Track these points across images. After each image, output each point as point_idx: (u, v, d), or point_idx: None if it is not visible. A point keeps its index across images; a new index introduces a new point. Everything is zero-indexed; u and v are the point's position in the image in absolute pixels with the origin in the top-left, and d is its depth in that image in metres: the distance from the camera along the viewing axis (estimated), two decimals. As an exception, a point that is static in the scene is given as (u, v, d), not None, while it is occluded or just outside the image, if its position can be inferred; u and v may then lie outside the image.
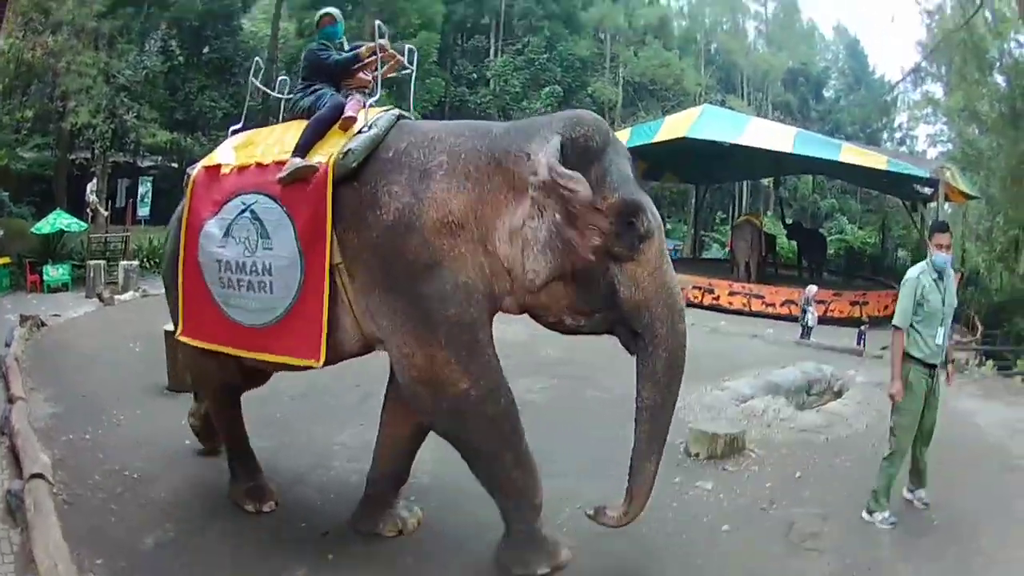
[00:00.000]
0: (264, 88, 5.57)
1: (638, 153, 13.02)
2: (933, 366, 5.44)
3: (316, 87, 4.97)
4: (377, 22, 5.17)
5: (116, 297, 14.33)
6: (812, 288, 16.44)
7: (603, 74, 39.35)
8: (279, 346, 4.46)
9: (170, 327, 7.66)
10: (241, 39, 32.51)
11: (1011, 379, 13.12)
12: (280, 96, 5.45)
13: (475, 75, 36.93)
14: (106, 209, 21.52)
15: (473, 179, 4.06)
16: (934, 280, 5.42)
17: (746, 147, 19.80)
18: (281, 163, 4.44)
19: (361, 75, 5.15)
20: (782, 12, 56.11)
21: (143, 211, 23.40)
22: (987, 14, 21.90)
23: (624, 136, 19.43)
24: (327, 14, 5.27)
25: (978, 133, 29.55)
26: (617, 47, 40.75)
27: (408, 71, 5.24)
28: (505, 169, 4.03)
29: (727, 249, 29.68)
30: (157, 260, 19.81)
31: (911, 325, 5.40)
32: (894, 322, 5.43)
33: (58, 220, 19.28)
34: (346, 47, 5.26)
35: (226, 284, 4.54)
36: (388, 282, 4.08)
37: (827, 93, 55.70)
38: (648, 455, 4.04)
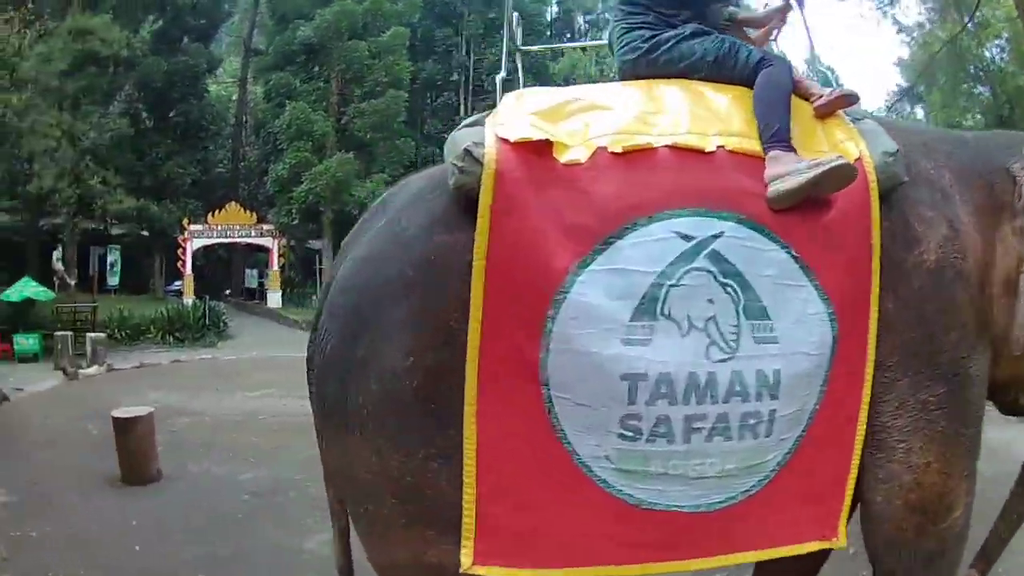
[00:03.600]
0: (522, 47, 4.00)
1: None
2: None
3: (696, 25, 2.92)
4: None
5: (80, 371, 13.90)
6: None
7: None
8: (753, 532, 2.48)
9: (120, 413, 6.90)
10: (207, 102, 32.76)
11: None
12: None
13: (446, 134, 36.27)
14: (75, 278, 21.05)
15: (980, 208, 2.79)
16: None
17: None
18: (749, 156, 2.47)
19: (748, 15, 3.34)
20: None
21: (112, 280, 23.43)
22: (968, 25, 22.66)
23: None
24: None
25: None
26: (590, 93, 41.59)
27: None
28: (992, 193, 2.84)
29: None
30: (128, 331, 19.65)
31: None
32: None
33: (26, 287, 18.66)
34: None
35: (647, 432, 2.29)
36: (929, 361, 2.55)
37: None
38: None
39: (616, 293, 2.21)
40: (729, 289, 2.28)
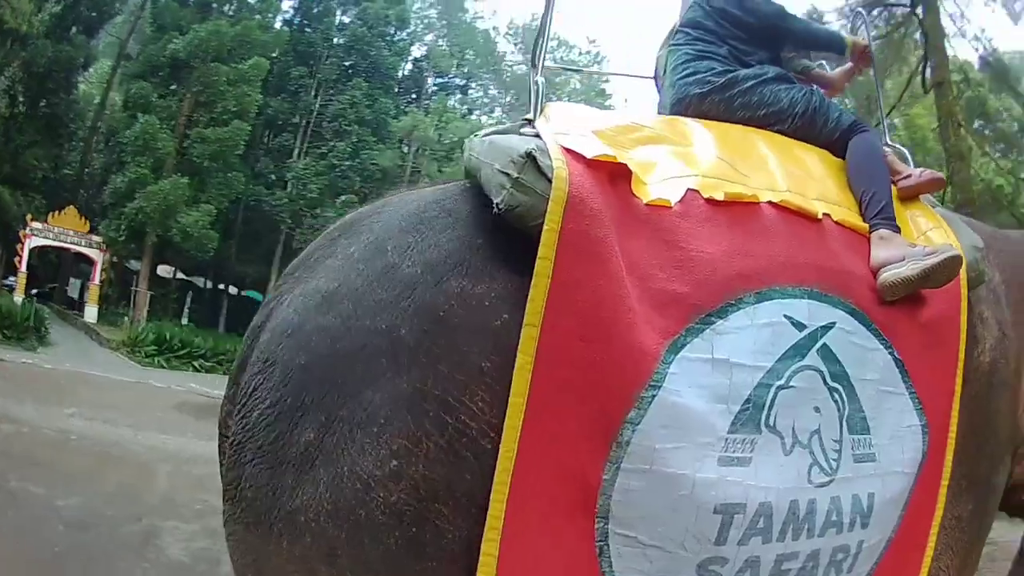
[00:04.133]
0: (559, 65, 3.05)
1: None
2: None
3: (779, 69, 2.54)
4: None
5: None
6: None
7: (403, 187, 38.42)
8: None
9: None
10: (74, 99, 32.06)
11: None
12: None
13: (275, 175, 34.69)
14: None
15: (1018, 307, 2.50)
16: None
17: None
18: (854, 231, 2.08)
19: (821, 72, 2.99)
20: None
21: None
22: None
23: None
24: None
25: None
26: (422, 160, 39.41)
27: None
28: None
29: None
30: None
31: None
32: None
33: None
34: None
35: None
36: (968, 474, 2.18)
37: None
38: None
39: (716, 394, 1.66)
40: (836, 395, 1.83)
